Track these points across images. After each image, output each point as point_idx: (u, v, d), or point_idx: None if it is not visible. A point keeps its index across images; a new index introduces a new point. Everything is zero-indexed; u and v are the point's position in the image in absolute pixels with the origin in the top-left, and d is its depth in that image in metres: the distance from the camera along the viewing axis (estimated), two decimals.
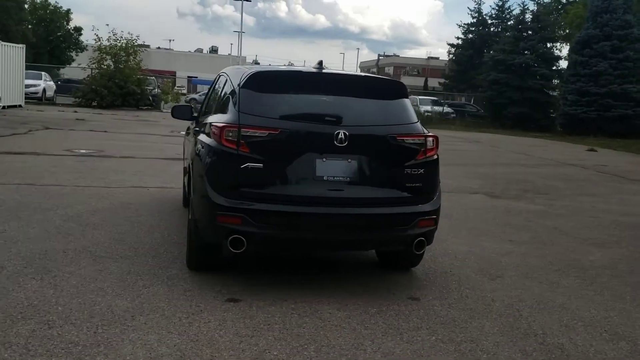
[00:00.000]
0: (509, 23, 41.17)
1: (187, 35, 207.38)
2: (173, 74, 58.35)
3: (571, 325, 4.20)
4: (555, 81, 34.15)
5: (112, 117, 23.27)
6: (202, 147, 4.58)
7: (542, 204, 9.15)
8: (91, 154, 11.73)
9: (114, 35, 29.25)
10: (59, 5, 52.38)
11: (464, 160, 15.18)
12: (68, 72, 45.93)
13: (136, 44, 30.16)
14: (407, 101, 4.78)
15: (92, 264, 4.84)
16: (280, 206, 4.19)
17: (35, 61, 39.13)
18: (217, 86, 5.72)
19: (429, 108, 33.09)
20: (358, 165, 4.35)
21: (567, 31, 40.58)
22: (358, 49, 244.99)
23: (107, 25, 66.07)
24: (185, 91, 53.61)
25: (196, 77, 58.17)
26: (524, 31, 34.03)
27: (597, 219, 8.25)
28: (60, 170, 9.39)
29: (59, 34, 51.97)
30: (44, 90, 29.92)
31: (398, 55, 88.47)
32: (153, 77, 34.47)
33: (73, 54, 52.41)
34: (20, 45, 25.65)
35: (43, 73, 31.28)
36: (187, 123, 6.95)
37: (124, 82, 28.54)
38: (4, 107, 22.37)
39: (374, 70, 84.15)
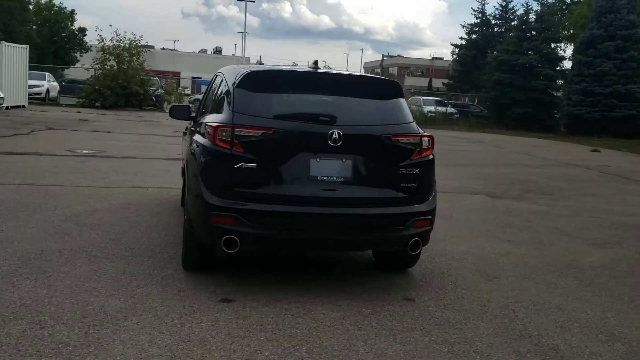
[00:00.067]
0: (512, 23, 41.04)
1: (192, 36, 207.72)
2: (177, 74, 58.42)
3: (567, 327, 4.17)
4: (560, 81, 34.03)
5: (115, 117, 23.32)
6: (197, 147, 4.57)
7: (543, 205, 9.11)
8: (93, 155, 11.75)
9: (117, 35, 29.37)
10: (64, 6, 52.60)
11: (466, 161, 15.14)
12: (72, 72, 46.10)
13: (139, 44, 30.22)
14: (402, 101, 4.76)
15: (87, 264, 4.84)
16: (274, 206, 4.17)
17: (39, 62, 39.28)
18: (213, 86, 5.71)
19: (432, 108, 33.04)
20: (352, 165, 4.33)
21: (572, 31, 40.44)
22: (362, 49, 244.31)
23: (111, 25, 66.21)
24: (189, 92, 53.68)
25: (200, 78, 58.22)
26: (527, 31, 33.92)
27: (599, 219, 8.20)
28: (61, 171, 9.40)
29: (63, 34, 52.15)
30: (48, 90, 30.00)
31: (402, 56, 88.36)
32: (156, 78, 34.57)
33: (77, 54, 52.58)
34: (24, 46, 25.75)
35: (47, 74, 31.36)
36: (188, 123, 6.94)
37: (127, 83, 28.62)
38: (7, 108, 22.45)
39: (378, 70, 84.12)
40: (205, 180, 4.27)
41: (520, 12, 41.23)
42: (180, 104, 8.58)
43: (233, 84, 4.48)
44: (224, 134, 4.19)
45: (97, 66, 29.77)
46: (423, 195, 4.56)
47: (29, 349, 3.28)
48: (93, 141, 14.09)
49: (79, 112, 24.56)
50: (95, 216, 6.49)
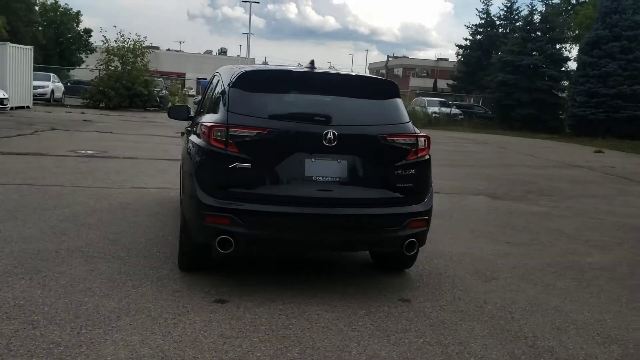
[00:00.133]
0: (517, 24, 40.94)
1: (198, 37, 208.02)
2: (182, 75, 58.54)
3: (563, 328, 4.14)
4: (565, 82, 33.90)
5: (119, 118, 23.37)
6: (192, 147, 4.57)
7: (545, 206, 9.06)
8: (95, 155, 11.76)
9: (121, 36, 29.43)
10: (69, 7, 52.87)
11: (469, 162, 15.11)
12: (78, 73, 46.26)
13: (143, 45, 30.29)
14: (398, 101, 4.73)
15: (83, 264, 4.83)
16: (268, 206, 4.16)
17: (45, 62, 39.45)
18: (211, 86, 5.70)
19: (436, 109, 32.96)
20: (348, 165, 4.31)
21: (577, 32, 40.31)
22: (367, 50, 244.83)
23: (115, 26, 66.41)
24: (194, 92, 53.78)
25: (205, 79, 58.23)
26: (532, 32, 33.82)
27: (600, 220, 8.16)
28: (63, 171, 9.41)
29: (68, 35, 52.38)
30: (52, 91, 30.14)
31: (407, 57, 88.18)
32: (160, 79, 34.62)
33: (83, 55, 52.80)
34: (28, 47, 25.83)
35: (51, 74, 31.49)
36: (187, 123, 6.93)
37: (132, 84, 28.67)
38: (12, 108, 22.53)
39: (383, 71, 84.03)
40: (200, 180, 4.26)
41: (524, 12, 41.00)
42: (179, 104, 8.59)
43: (228, 84, 4.48)
44: (219, 134, 4.18)
45: (101, 67, 29.83)
46: (419, 196, 4.53)
47: (20, 348, 3.27)
48: (95, 142, 14.11)
49: (83, 112, 24.62)
50: (94, 216, 6.49)
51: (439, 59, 78.49)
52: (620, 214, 8.75)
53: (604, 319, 4.36)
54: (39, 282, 4.34)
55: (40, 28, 46.76)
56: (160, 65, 55.92)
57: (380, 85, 5.04)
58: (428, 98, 36.78)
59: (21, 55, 24.46)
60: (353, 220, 4.33)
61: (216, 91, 5.04)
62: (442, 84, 56.27)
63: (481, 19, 44.37)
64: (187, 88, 49.23)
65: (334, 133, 4.21)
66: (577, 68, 31.51)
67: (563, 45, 35.62)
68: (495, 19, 44.01)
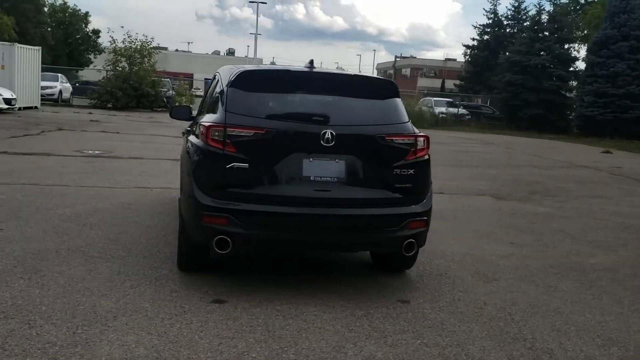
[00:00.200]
0: (524, 24, 40.73)
1: (206, 38, 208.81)
2: (190, 76, 58.69)
3: (563, 330, 4.10)
4: (573, 82, 33.70)
5: (126, 118, 23.44)
6: (191, 147, 4.56)
7: (549, 206, 9.00)
8: (100, 155, 11.80)
9: (128, 37, 29.54)
10: (78, 8, 53.15)
11: (474, 162, 15.05)
12: (86, 74, 46.50)
13: (151, 46, 30.37)
14: (398, 101, 4.70)
15: (83, 264, 4.84)
16: (266, 207, 4.15)
17: (54, 63, 39.67)
18: (212, 86, 5.70)
19: (443, 109, 32.83)
20: (346, 166, 4.29)
21: (585, 32, 40.07)
22: (375, 50, 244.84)
23: (122, 27, 66.76)
24: (202, 93, 53.86)
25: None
26: (540, 32, 33.64)
27: (605, 221, 8.09)
28: (67, 171, 9.45)
29: (77, 36, 52.68)
30: (60, 92, 30.29)
31: (415, 57, 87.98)
32: (168, 79, 34.71)
33: (91, 56, 53.06)
34: (36, 48, 25.97)
35: (59, 75, 31.65)
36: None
37: (139, 84, 28.76)
38: (20, 109, 22.65)
39: (391, 72, 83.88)
40: (197, 180, 4.25)
41: (532, 12, 40.80)
42: (181, 105, 8.60)
43: (227, 84, 4.47)
44: (216, 133, 4.17)
45: (109, 67, 29.95)
46: (418, 196, 4.50)
47: (15, 348, 3.27)
48: (102, 142, 14.17)
49: (90, 113, 24.72)
50: (96, 216, 6.50)
51: (447, 59, 78.25)
52: (626, 214, 8.68)
53: (605, 321, 4.32)
54: (37, 281, 4.35)
55: (49, 29, 47.02)
56: (168, 66, 56.06)
57: (380, 85, 5.01)
58: (435, 98, 36.66)
59: (29, 56, 24.59)
60: (351, 221, 4.31)
61: (216, 91, 5.04)
62: (450, 84, 56.10)
63: (489, 19, 44.24)
64: (194, 88, 49.36)
65: (332, 133, 4.19)
66: (585, 68, 31.32)
67: (571, 45, 35.42)
68: (503, 19, 43.83)
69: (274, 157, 4.20)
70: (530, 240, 6.69)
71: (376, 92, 4.73)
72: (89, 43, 53.38)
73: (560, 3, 40.36)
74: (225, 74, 4.83)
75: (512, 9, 43.33)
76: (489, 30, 43.83)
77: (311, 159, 4.22)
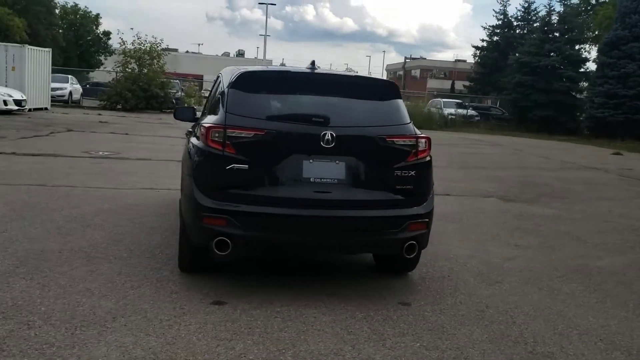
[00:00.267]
0: (534, 25, 40.49)
1: (216, 39, 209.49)
2: (200, 77, 58.90)
3: (565, 334, 4.05)
4: (584, 83, 33.45)
5: (135, 119, 23.55)
6: (191, 148, 4.56)
7: (556, 208, 8.93)
8: (108, 156, 11.86)
9: (138, 38, 29.69)
10: (89, 10, 53.55)
11: (482, 164, 14.97)
12: (96, 75, 46.82)
13: (160, 47, 30.51)
14: (399, 102, 4.68)
15: (85, 264, 4.85)
16: (265, 208, 4.13)
17: (65, 65, 40.02)
18: (214, 87, 5.70)
19: (452, 111, 32.69)
20: (346, 167, 4.27)
21: (596, 33, 39.77)
22: (384, 51, 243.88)
23: (132, 29, 67.29)
24: None
25: None
26: (549, 33, 33.44)
27: (613, 223, 8.01)
28: (75, 172, 9.49)
29: (88, 38, 53.07)
30: (71, 93, 30.51)
31: (425, 58, 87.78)
32: (177, 81, 34.85)
33: (102, 57, 53.42)
34: (47, 49, 26.16)
35: (70, 76, 31.89)
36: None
37: (148, 86, 28.90)
38: (30, 110, 22.82)
39: (401, 73, 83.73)
40: (197, 182, 4.25)
41: (542, 13, 40.54)
42: (185, 106, 8.63)
43: (228, 85, 4.47)
44: (216, 135, 4.16)
45: (118, 69, 30.12)
46: (419, 198, 4.47)
47: (13, 349, 3.28)
48: (110, 143, 14.24)
49: (99, 114, 24.88)
50: (100, 217, 6.52)
51: (457, 60, 77.96)
52: (634, 217, 8.60)
53: (608, 325, 4.27)
54: (39, 282, 4.36)
55: (60, 31, 47.40)
56: (178, 67, 56.28)
57: (381, 85, 4.99)
58: (444, 99, 36.52)
59: (40, 58, 24.78)
60: (351, 223, 4.28)
61: (217, 92, 5.04)
62: (460, 85, 55.90)
63: (498, 19, 43.98)
64: (204, 90, 49.51)
65: (332, 134, 4.18)
66: (596, 69, 31.09)
67: (582, 46, 35.19)
68: (513, 19, 43.56)
69: (274, 158, 4.19)
70: (535, 243, 6.64)
71: (377, 93, 4.71)
72: (100, 45, 53.79)
73: (571, 4, 40.14)
74: (227, 75, 4.82)
75: (522, 9, 43.09)
76: (498, 31, 43.57)
77: (311, 161, 4.20)
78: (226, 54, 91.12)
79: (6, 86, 22.22)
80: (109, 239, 5.64)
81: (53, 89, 27.09)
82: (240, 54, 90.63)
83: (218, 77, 5.74)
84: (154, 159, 11.96)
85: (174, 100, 30.62)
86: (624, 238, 7.18)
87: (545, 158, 17.28)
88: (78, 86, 32.51)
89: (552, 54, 32.26)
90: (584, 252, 6.39)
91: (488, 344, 3.81)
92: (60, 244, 5.39)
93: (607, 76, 28.57)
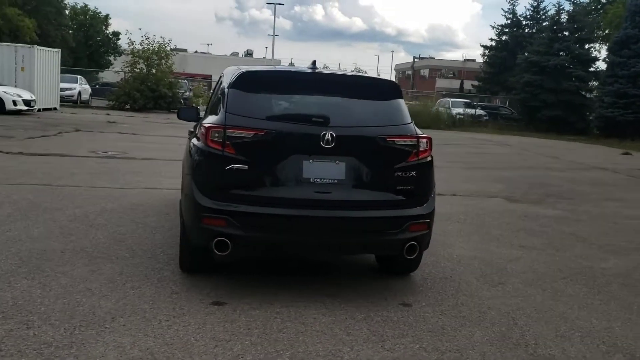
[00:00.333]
0: (543, 24, 40.23)
1: (225, 39, 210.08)
2: (209, 77, 59.02)
3: (567, 336, 4.01)
4: (594, 83, 33.18)
5: (143, 119, 23.64)
6: (192, 148, 4.55)
7: (562, 209, 8.86)
8: (114, 156, 11.90)
9: (146, 39, 29.80)
10: (98, 11, 53.85)
11: (489, 164, 14.89)
12: (106, 76, 47.05)
13: (168, 47, 30.61)
14: (400, 102, 4.65)
15: (86, 264, 4.86)
16: (265, 208, 4.12)
17: (74, 65, 40.24)
18: (216, 87, 5.70)
19: (460, 110, 32.55)
20: (346, 167, 4.25)
21: (607, 31, 39.48)
22: (392, 51, 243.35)
23: (140, 29, 67.55)
24: None
25: None
26: (559, 32, 33.19)
27: (620, 225, 7.94)
28: (80, 172, 9.53)
29: (97, 38, 53.35)
30: (80, 93, 30.67)
31: (434, 58, 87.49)
32: (185, 81, 34.94)
33: (111, 58, 53.69)
34: (56, 50, 26.31)
35: (79, 77, 32.06)
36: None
37: (156, 86, 29.00)
38: (39, 110, 22.96)
39: (409, 72, 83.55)
40: (197, 182, 4.25)
41: (551, 12, 40.27)
42: (189, 105, 8.64)
43: (228, 85, 4.46)
44: (216, 135, 4.16)
45: (127, 69, 30.24)
46: (420, 198, 4.44)
47: (11, 348, 3.29)
48: (117, 143, 14.29)
49: (108, 114, 24.99)
50: (103, 217, 6.54)
51: (466, 60, 77.63)
52: None
53: (611, 327, 4.23)
54: (40, 282, 4.37)
55: (70, 31, 47.66)
56: (187, 67, 56.45)
57: (382, 85, 4.96)
58: (452, 99, 36.36)
59: (49, 58, 24.93)
60: (351, 223, 4.26)
61: (218, 92, 5.03)
62: (469, 85, 55.66)
63: (507, 19, 43.74)
64: (212, 90, 49.55)
65: (332, 134, 4.16)
66: (605, 68, 30.83)
67: (592, 45, 34.90)
68: (522, 18, 43.28)
69: (274, 158, 4.17)
70: (540, 244, 6.59)
71: (378, 93, 4.69)
72: (109, 45, 54.07)
73: (580, 3, 39.86)
74: (228, 75, 4.82)
75: (531, 8, 42.82)
76: (507, 30, 43.35)
77: (311, 161, 4.19)
78: (235, 54, 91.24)
79: (15, 86, 22.38)
80: (111, 239, 5.65)
81: (62, 89, 27.25)
82: (249, 54, 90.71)
83: (220, 77, 5.74)
84: (159, 158, 11.99)
85: (182, 100, 30.71)
86: (630, 239, 7.11)
87: (554, 158, 17.16)
88: (87, 86, 32.69)
89: (561, 53, 32.00)
90: (589, 253, 6.33)
91: (488, 346, 3.78)
92: (62, 243, 5.41)
93: (617, 75, 28.30)
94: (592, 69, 33.03)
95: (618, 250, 6.52)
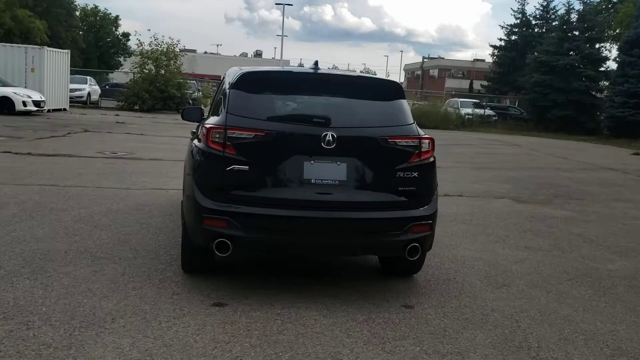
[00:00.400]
0: (553, 24, 39.96)
1: (235, 40, 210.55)
2: (218, 78, 59.09)
3: (571, 339, 3.97)
4: (604, 83, 32.89)
5: (152, 120, 23.73)
6: (193, 149, 4.55)
7: (570, 210, 8.78)
8: (122, 156, 11.95)
9: (155, 40, 29.91)
10: (109, 12, 54.15)
11: (497, 164, 14.81)
12: (116, 76, 47.29)
13: (177, 48, 30.71)
14: (403, 102, 4.62)
15: (89, 265, 4.87)
16: (266, 209, 4.10)
17: (85, 66, 40.48)
18: (219, 88, 5.70)
19: (469, 111, 32.40)
20: (347, 168, 4.22)
21: (617, 31, 39.15)
22: (401, 51, 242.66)
23: (149, 30, 67.57)
24: None
25: None
26: (569, 31, 32.95)
27: (628, 226, 7.86)
28: (87, 172, 9.57)
29: (108, 39, 53.65)
30: (89, 94, 30.81)
31: (443, 58, 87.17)
32: (193, 81, 35.03)
33: (121, 59, 53.95)
34: (65, 51, 26.48)
35: (88, 77, 32.23)
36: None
37: (165, 86, 29.11)
38: (48, 111, 23.12)
39: (419, 72, 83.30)
40: (198, 183, 4.24)
41: (561, 12, 39.97)
42: (193, 106, 8.64)
43: (229, 85, 4.45)
44: (217, 135, 4.15)
45: (136, 70, 30.37)
46: (422, 200, 4.41)
47: (10, 349, 3.29)
48: (125, 143, 14.35)
49: (117, 115, 25.11)
50: (108, 217, 6.56)
51: (476, 60, 77.27)
52: None
53: (616, 330, 4.17)
54: (42, 282, 4.38)
55: (80, 32, 47.94)
56: (197, 68, 56.63)
57: (384, 85, 4.93)
58: (461, 99, 36.18)
59: (58, 59, 25.08)
60: (352, 224, 4.24)
61: (220, 93, 5.03)
62: (478, 85, 55.41)
63: (516, 18, 43.48)
64: None
65: (332, 135, 4.13)
66: (616, 68, 30.56)
67: (602, 44, 34.59)
68: (531, 18, 43.00)
69: (275, 159, 4.16)
70: (546, 245, 6.53)
71: (380, 93, 4.66)
72: (119, 46, 54.34)
73: (591, 2, 39.53)
74: (230, 75, 4.81)
75: (541, 8, 42.53)
76: (516, 30, 43.10)
77: (312, 162, 4.16)
78: (244, 55, 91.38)
79: (25, 87, 22.54)
80: (115, 240, 5.66)
81: (72, 90, 27.42)
82: (258, 54, 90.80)
83: (223, 77, 5.74)
84: (166, 159, 12.01)
85: (190, 101, 30.77)
86: (639, 241, 7.03)
87: (563, 158, 17.03)
88: (96, 87, 32.84)
89: (571, 52, 31.78)
90: (596, 254, 6.26)
91: (490, 348, 3.74)
92: (66, 244, 5.42)
93: (627, 75, 28.05)
94: (602, 69, 32.77)
95: (626, 252, 6.45)
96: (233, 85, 4.38)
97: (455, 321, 4.16)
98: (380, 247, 4.42)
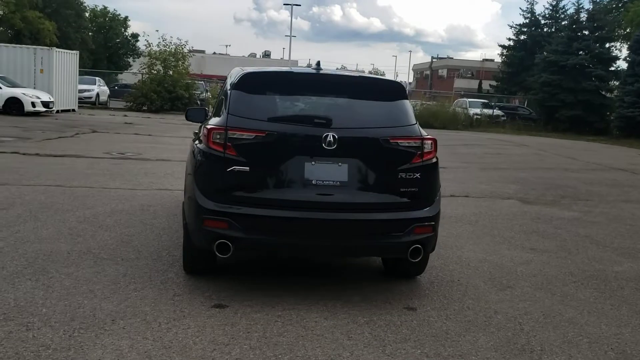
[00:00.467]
0: (562, 23, 39.72)
1: (243, 41, 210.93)
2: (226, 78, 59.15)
3: (575, 342, 3.92)
4: (615, 82, 32.64)
5: (160, 121, 23.80)
6: (194, 150, 4.54)
7: (578, 211, 8.70)
8: (129, 157, 11.98)
9: (163, 40, 30.01)
10: (118, 13, 54.43)
11: (504, 164, 14.71)
12: (124, 77, 47.51)
13: (185, 49, 30.78)
14: (405, 102, 4.58)
15: (91, 265, 4.87)
16: (267, 210, 4.09)
17: (94, 67, 40.74)
18: (222, 88, 5.69)
19: (478, 111, 32.25)
20: (349, 169, 4.19)
21: (628, 30, 38.84)
22: (410, 51, 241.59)
23: (157, 31, 67.92)
24: None
25: None
26: (578, 31, 32.74)
27: (635, 227, 7.77)
28: (94, 173, 9.60)
29: (117, 40, 53.93)
30: (98, 95, 30.97)
31: (452, 58, 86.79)
32: (201, 82, 35.10)
33: (130, 59, 54.22)
34: (74, 52, 26.63)
35: (97, 78, 32.40)
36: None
37: (173, 87, 29.20)
38: (57, 111, 23.24)
39: (427, 72, 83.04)
40: (199, 184, 4.23)
41: (570, 11, 39.71)
42: (197, 107, 8.64)
43: (230, 86, 4.44)
44: (218, 136, 4.13)
45: (144, 71, 30.48)
46: (425, 201, 4.37)
47: (9, 350, 3.29)
48: (133, 144, 14.39)
49: (125, 115, 25.21)
50: (112, 218, 6.56)
51: (485, 60, 76.90)
52: None
53: (621, 333, 4.12)
54: (44, 283, 4.39)
55: (89, 33, 48.24)
56: (205, 69, 56.69)
57: (386, 86, 4.90)
58: (470, 99, 36.04)
59: (67, 60, 25.23)
60: (354, 226, 4.21)
61: (222, 93, 5.01)
62: (488, 85, 55.15)
63: (525, 18, 43.27)
64: None
65: (333, 136, 4.11)
66: (626, 67, 30.32)
67: (612, 44, 34.34)
68: (540, 18, 42.77)
69: (276, 160, 4.14)
70: (552, 247, 6.47)
71: (382, 94, 4.62)
72: (128, 47, 54.63)
73: (601, 1, 39.26)
74: (233, 76, 4.79)
75: (550, 7, 42.30)
76: (525, 30, 42.88)
77: (313, 163, 4.14)
78: (252, 55, 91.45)
79: (34, 88, 22.67)
80: (118, 241, 5.66)
81: (80, 91, 27.59)
82: (267, 54, 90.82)
83: (226, 78, 5.72)
84: (173, 159, 12.02)
85: (198, 102, 30.82)
86: None
87: (571, 159, 16.90)
88: (105, 88, 33.01)
89: (580, 52, 31.58)
90: (603, 256, 6.20)
91: (492, 351, 3.70)
92: (70, 245, 5.42)
93: (638, 74, 27.82)
94: (612, 68, 32.54)
95: (633, 253, 6.37)
96: (234, 86, 4.37)
97: (458, 323, 4.12)
98: (383, 248, 4.39)
